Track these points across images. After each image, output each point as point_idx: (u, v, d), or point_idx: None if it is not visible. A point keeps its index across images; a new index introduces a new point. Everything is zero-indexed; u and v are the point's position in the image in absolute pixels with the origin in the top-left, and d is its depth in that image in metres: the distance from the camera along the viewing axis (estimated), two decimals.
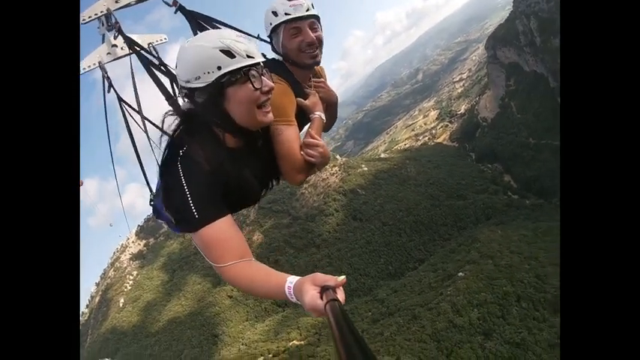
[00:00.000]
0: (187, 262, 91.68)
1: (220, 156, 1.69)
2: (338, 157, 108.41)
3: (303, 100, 2.19)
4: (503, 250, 55.18)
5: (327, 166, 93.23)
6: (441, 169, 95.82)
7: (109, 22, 3.26)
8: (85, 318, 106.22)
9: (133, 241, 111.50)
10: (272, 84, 1.73)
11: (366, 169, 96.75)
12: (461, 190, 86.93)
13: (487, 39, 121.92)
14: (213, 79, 1.63)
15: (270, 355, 54.01)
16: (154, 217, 2.37)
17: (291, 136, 2.02)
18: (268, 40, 2.31)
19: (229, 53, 1.62)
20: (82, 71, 3.45)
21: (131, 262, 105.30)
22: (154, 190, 2.30)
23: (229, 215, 1.67)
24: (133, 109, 3.10)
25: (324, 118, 2.25)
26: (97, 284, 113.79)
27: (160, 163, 1.79)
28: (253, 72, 1.65)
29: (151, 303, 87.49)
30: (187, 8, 2.92)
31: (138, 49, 2.91)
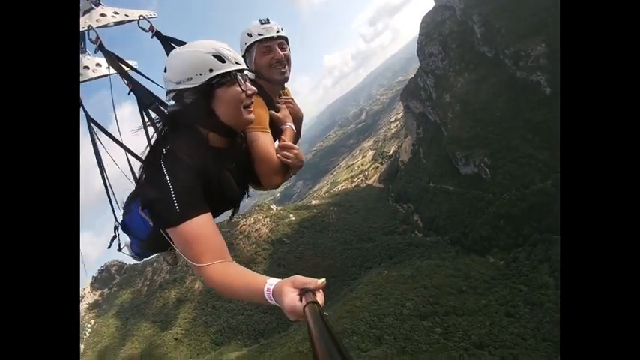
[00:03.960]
0: (138, 310, 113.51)
1: (203, 153, 1.92)
2: (273, 206, 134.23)
3: (275, 113, 2.58)
4: (370, 291, 76.88)
5: (260, 218, 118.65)
6: (358, 214, 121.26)
7: (83, 44, 3.33)
8: None
9: (88, 292, 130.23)
10: (255, 88, 2.05)
11: (293, 218, 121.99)
12: (371, 233, 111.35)
13: (402, 92, 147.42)
14: (205, 79, 1.91)
15: None
16: (118, 247, 2.57)
17: (267, 141, 2.34)
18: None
19: (220, 58, 1.93)
20: None
21: (88, 311, 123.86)
22: (122, 210, 2.48)
23: (210, 214, 1.80)
24: (104, 131, 2.85)
25: (294, 128, 2.65)
26: None
27: (140, 167, 2.06)
28: (240, 76, 1.98)
29: (109, 347, 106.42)
30: (163, 34, 3.05)
31: (122, 65, 2.81)
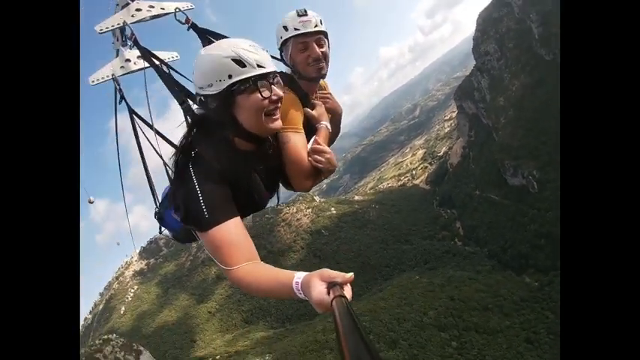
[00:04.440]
0: (180, 281, 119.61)
1: (230, 157, 1.91)
2: (316, 198, 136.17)
3: (310, 110, 2.48)
4: (397, 294, 76.48)
5: (302, 208, 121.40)
6: (400, 214, 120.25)
7: (124, 37, 3.39)
8: (89, 322, 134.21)
9: (136, 260, 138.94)
10: (281, 93, 1.94)
11: (334, 211, 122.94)
12: (410, 235, 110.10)
13: (455, 91, 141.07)
14: (224, 87, 1.83)
15: (226, 355, 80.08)
16: (159, 230, 2.68)
17: (298, 142, 2.27)
18: (278, 52, 2.58)
19: (240, 62, 1.82)
20: (92, 83, 3.47)
21: (133, 277, 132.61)
22: (160, 202, 2.54)
23: (238, 217, 1.82)
24: (144, 122, 3.13)
25: (329, 127, 2.53)
26: (101, 294, 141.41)
27: (172, 166, 1.97)
28: (262, 81, 1.86)
29: (147, 312, 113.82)
30: (199, 26, 3.03)
31: (154, 60, 2.95)
